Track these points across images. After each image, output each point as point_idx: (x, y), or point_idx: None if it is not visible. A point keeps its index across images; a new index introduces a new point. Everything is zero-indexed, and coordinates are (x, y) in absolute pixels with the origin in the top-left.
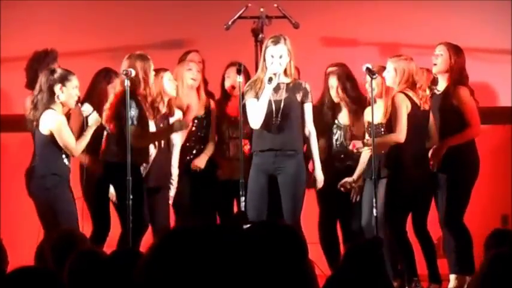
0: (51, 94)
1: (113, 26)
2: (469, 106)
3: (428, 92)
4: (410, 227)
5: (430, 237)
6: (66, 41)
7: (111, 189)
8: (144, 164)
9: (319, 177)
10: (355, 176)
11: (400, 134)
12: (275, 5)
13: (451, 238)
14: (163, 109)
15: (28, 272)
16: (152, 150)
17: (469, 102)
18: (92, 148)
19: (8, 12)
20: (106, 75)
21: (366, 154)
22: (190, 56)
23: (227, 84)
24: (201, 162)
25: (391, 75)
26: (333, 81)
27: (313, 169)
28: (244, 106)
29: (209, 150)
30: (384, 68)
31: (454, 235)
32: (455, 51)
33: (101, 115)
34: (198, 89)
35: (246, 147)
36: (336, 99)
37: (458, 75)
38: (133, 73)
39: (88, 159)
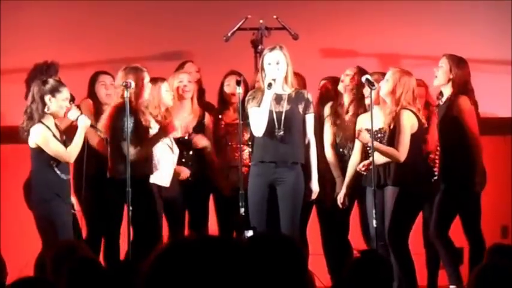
0: (44, 104)
1: (112, 37)
2: (467, 116)
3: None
4: (412, 239)
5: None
6: (65, 54)
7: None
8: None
9: (315, 188)
10: (343, 189)
11: (401, 155)
12: (274, 17)
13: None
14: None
15: (28, 282)
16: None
17: (468, 112)
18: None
19: (7, 25)
20: (92, 78)
21: (351, 165)
22: (186, 66)
23: (227, 91)
24: (201, 141)
25: (389, 84)
26: (351, 69)
27: (310, 180)
28: (243, 117)
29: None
30: (382, 74)
31: (438, 248)
32: (457, 63)
33: (97, 118)
34: (191, 100)
35: (246, 152)
36: (342, 88)
37: (460, 87)
38: (132, 85)
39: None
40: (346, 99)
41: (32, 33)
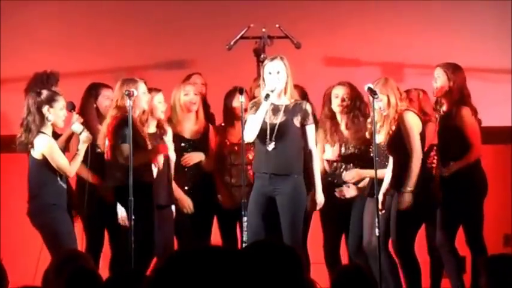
0: (42, 116)
1: (114, 46)
2: (470, 127)
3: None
4: (418, 245)
5: (440, 255)
6: (66, 62)
7: (120, 211)
8: None
9: (319, 199)
10: (381, 195)
11: (417, 158)
12: (277, 25)
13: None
14: (150, 129)
15: None
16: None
17: (470, 123)
18: (93, 167)
19: (7, 33)
20: (92, 90)
21: (389, 172)
22: (192, 78)
23: (234, 106)
24: (193, 158)
25: (384, 102)
26: (340, 90)
27: (314, 191)
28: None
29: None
30: None
31: (443, 256)
32: (453, 70)
33: (91, 132)
34: (196, 112)
35: (250, 173)
36: (337, 109)
37: (459, 94)
38: (135, 93)
39: (93, 178)
40: (342, 119)
41: (32, 41)
